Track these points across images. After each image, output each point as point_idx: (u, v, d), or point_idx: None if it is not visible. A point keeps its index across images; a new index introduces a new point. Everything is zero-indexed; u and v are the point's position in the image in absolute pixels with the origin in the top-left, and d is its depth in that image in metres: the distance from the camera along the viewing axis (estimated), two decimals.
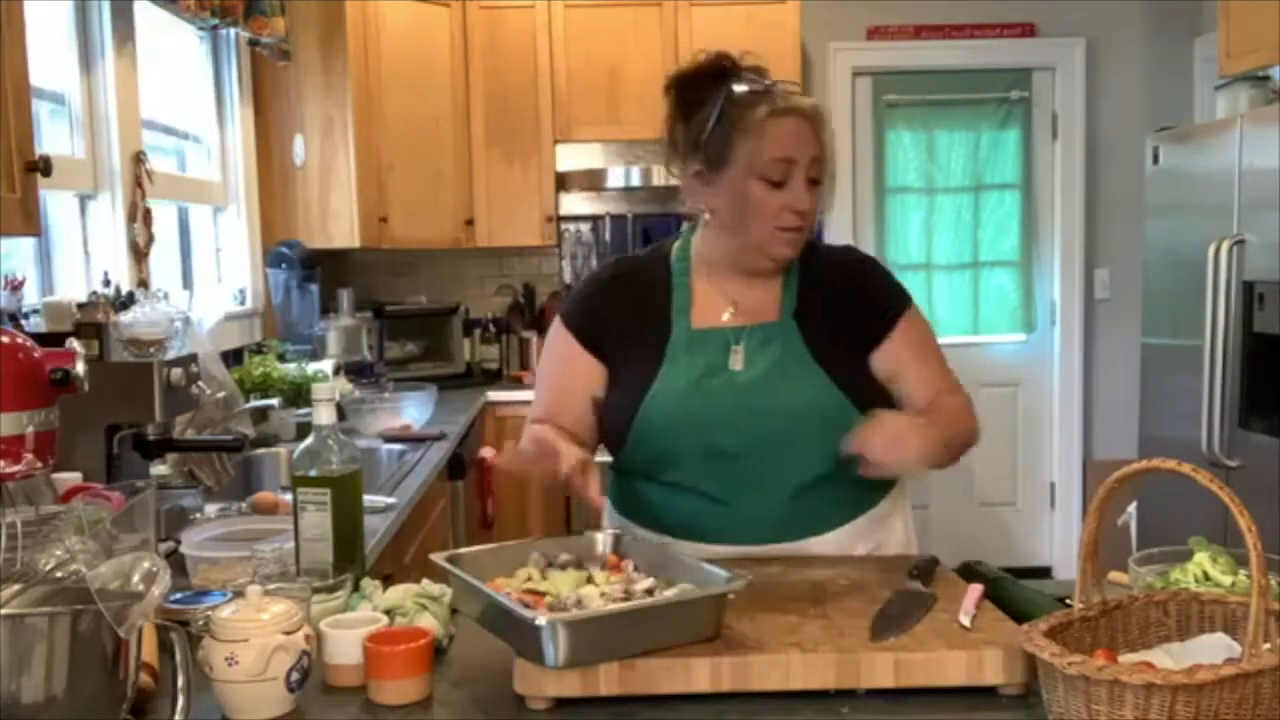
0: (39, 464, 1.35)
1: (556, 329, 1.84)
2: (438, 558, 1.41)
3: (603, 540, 1.52)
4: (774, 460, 1.70)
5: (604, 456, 1.82)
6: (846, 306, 1.77)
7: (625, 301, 1.80)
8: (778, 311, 1.76)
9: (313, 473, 1.55)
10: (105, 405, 1.96)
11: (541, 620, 1.20)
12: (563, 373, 1.81)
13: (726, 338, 1.74)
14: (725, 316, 1.76)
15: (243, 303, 3.95)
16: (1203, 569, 1.46)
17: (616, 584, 1.37)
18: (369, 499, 1.94)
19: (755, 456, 1.69)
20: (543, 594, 1.34)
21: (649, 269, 1.83)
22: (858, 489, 1.76)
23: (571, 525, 4.17)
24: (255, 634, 1.23)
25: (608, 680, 1.23)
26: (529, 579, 1.41)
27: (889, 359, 1.77)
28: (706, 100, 1.69)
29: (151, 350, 2.19)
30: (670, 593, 1.33)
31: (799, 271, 1.78)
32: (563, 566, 1.45)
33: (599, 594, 1.33)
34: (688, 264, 1.80)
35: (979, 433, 1.79)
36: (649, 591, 1.34)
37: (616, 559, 1.48)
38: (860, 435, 1.56)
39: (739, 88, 1.68)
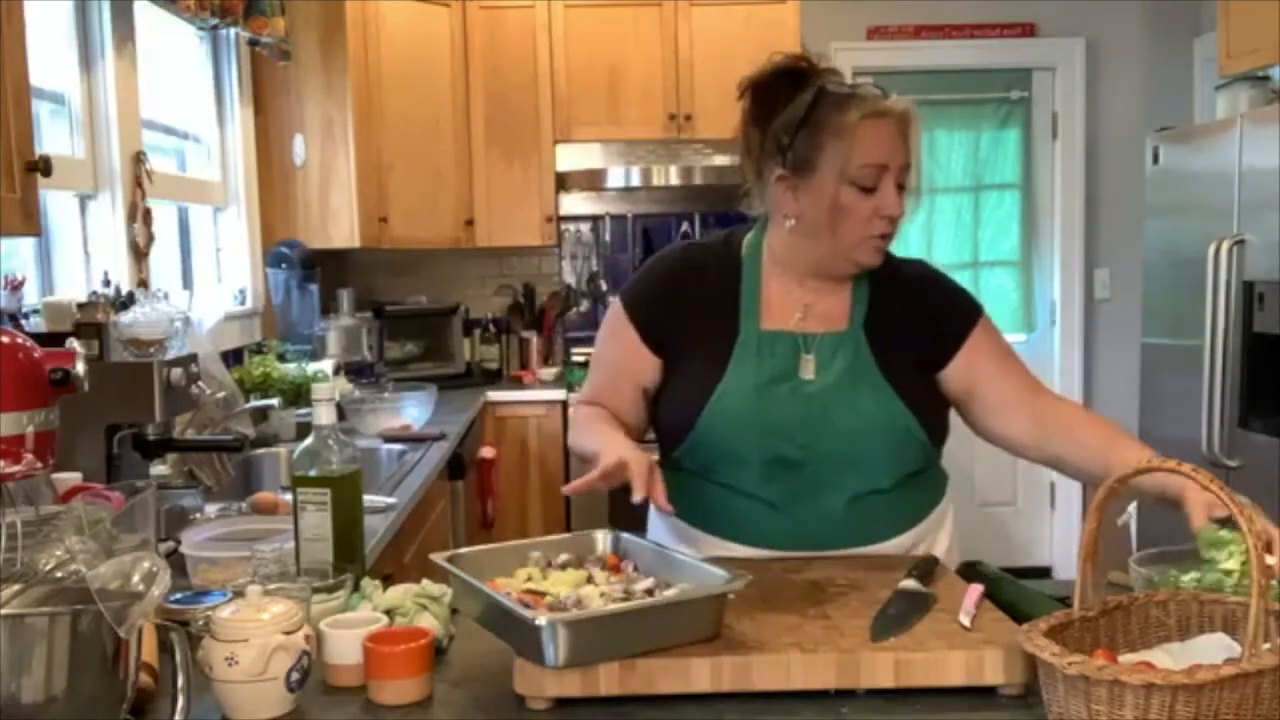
0: (39, 464, 1.35)
1: (619, 313, 1.79)
2: (438, 558, 1.41)
3: (603, 540, 1.52)
4: (835, 472, 1.68)
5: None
6: (917, 323, 1.74)
7: (692, 296, 1.75)
8: (847, 320, 1.73)
9: (313, 473, 1.55)
10: (105, 405, 1.96)
11: (541, 620, 1.20)
12: (618, 362, 1.79)
13: (797, 343, 1.71)
14: (795, 319, 1.72)
15: (243, 303, 3.95)
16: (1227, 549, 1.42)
17: (616, 584, 1.37)
18: (369, 499, 1.94)
19: (817, 467, 1.67)
20: (543, 594, 1.34)
21: (719, 263, 1.78)
22: (915, 498, 1.77)
23: (571, 525, 4.17)
24: (255, 634, 1.23)
25: (608, 680, 1.23)
26: (529, 579, 1.41)
27: (964, 370, 1.74)
28: (787, 104, 1.65)
29: (151, 350, 2.19)
30: (670, 593, 1.33)
31: (869, 281, 1.75)
32: (563, 566, 1.45)
33: (599, 594, 1.33)
34: (759, 261, 1.76)
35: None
36: (649, 592, 1.34)
37: (616, 559, 1.48)
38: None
39: (830, 89, 1.63)
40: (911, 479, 1.75)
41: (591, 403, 1.78)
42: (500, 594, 1.30)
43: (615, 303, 1.81)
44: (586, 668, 1.22)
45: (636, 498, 1.44)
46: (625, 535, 1.54)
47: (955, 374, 1.75)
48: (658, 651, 1.25)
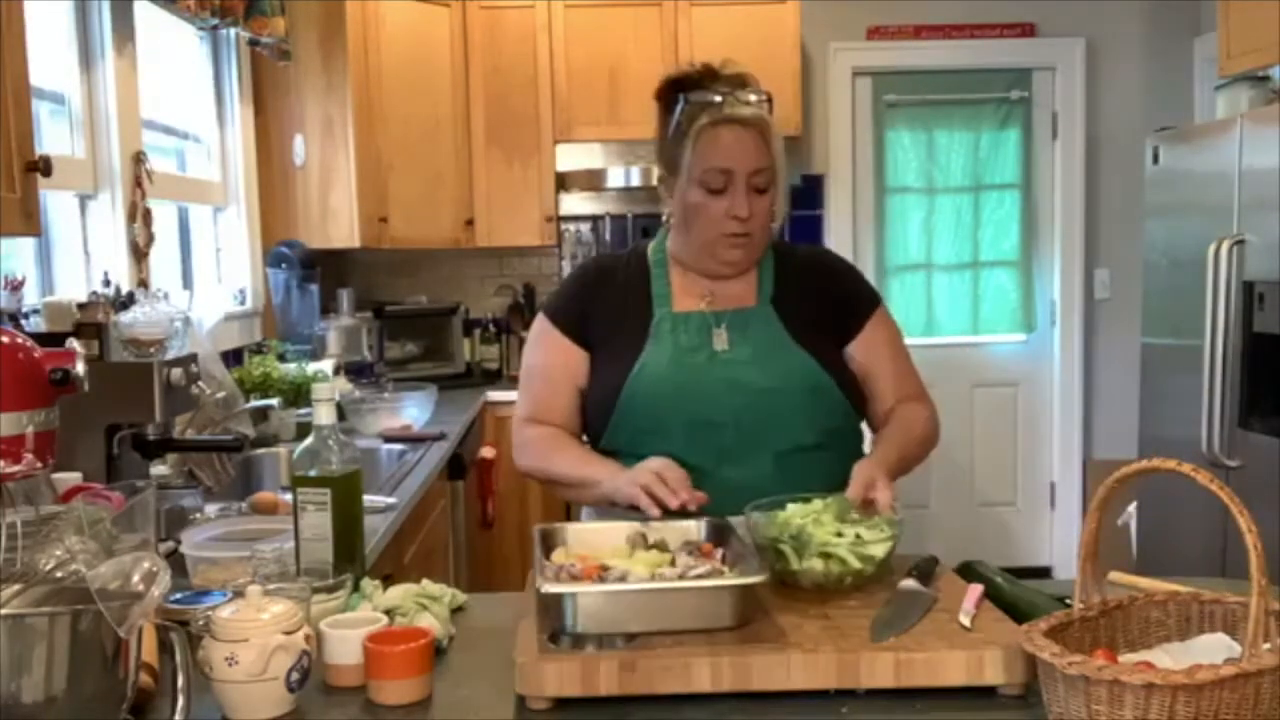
0: (39, 464, 1.35)
1: (540, 324, 1.91)
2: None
3: (697, 528, 1.57)
4: (757, 430, 1.75)
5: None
6: (822, 299, 1.85)
7: (607, 292, 1.88)
8: (755, 298, 1.84)
9: (313, 473, 1.55)
10: (105, 405, 1.96)
11: (548, 588, 1.28)
12: (549, 365, 1.88)
13: (708, 320, 1.81)
14: (704, 303, 1.83)
15: (243, 303, 3.95)
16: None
17: (676, 569, 1.42)
18: (369, 499, 1.94)
19: (738, 426, 1.74)
20: (607, 567, 1.41)
21: (628, 264, 1.91)
22: (839, 465, 1.78)
23: None
24: (255, 634, 1.23)
25: (608, 680, 1.23)
26: (618, 555, 1.48)
27: (865, 350, 1.85)
28: (670, 107, 1.79)
29: (151, 350, 2.19)
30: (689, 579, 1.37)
31: (773, 264, 1.86)
32: (650, 547, 1.51)
33: (651, 574, 1.38)
34: (664, 258, 1.88)
35: (936, 439, 1.88)
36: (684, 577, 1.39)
37: (710, 546, 1.51)
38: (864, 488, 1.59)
39: (693, 97, 1.75)
40: (835, 440, 1.81)
41: (534, 419, 1.86)
42: (552, 564, 1.41)
43: (537, 318, 1.92)
44: (587, 668, 1.23)
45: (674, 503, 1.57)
46: (730, 526, 1.56)
47: (856, 352, 1.85)
48: (658, 651, 1.25)
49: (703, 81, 1.76)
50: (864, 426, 1.90)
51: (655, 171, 1.90)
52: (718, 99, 1.74)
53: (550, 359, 1.88)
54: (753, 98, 1.75)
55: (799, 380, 1.76)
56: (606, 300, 1.87)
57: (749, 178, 1.73)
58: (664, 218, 1.88)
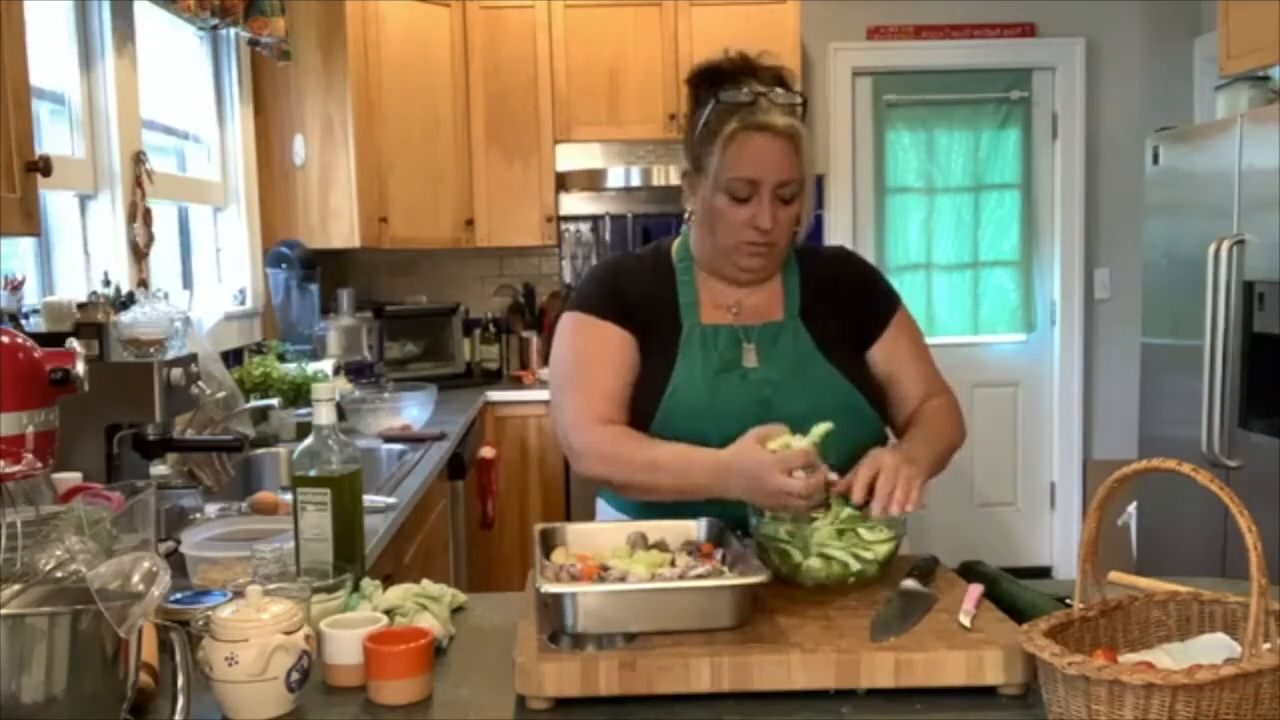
0: (39, 464, 1.35)
1: (572, 320, 1.79)
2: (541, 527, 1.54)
3: (698, 528, 1.56)
4: None
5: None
6: (846, 305, 1.81)
7: (633, 295, 1.79)
8: (782, 311, 1.79)
9: (313, 473, 1.55)
10: (105, 405, 1.96)
11: (548, 588, 1.28)
12: (605, 355, 1.75)
13: (737, 334, 1.76)
14: (731, 315, 1.78)
15: (243, 303, 3.95)
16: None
17: (676, 569, 1.42)
18: (369, 499, 1.94)
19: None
20: (607, 568, 1.41)
21: (653, 263, 1.84)
22: None
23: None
24: (255, 634, 1.23)
25: (608, 680, 1.23)
26: (618, 555, 1.48)
27: (887, 355, 1.81)
28: (702, 101, 1.72)
29: (151, 350, 2.19)
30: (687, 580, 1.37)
31: (798, 272, 1.82)
32: (650, 547, 1.51)
33: (651, 574, 1.38)
34: (690, 262, 1.82)
35: (965, 434, 1.83)
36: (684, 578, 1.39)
37: (711, 547, 1.51)
38: (864, 480, 1.53)
39: (725, 96, 1.68)
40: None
41: (601, 415, 1.72)
42: (553, 565, 1.41)
43: (569, 317, 1.80)
44: (587, 668, 1.23)
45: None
46: (737, 534, 1.54)
47: (877, 358, 1.81)
48: (658, 651, 1.25)
49: (737, 76, 1.69)
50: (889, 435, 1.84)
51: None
52: (750, 100, 1.67)
53: (604, 349, 1.75)
54: (783, 100, 1.68)
55: (832, 401, 1.70)
56: (634, 299, 1.78)
57: (775, 189, 1.67)
58: (685, 215, 1.82)
